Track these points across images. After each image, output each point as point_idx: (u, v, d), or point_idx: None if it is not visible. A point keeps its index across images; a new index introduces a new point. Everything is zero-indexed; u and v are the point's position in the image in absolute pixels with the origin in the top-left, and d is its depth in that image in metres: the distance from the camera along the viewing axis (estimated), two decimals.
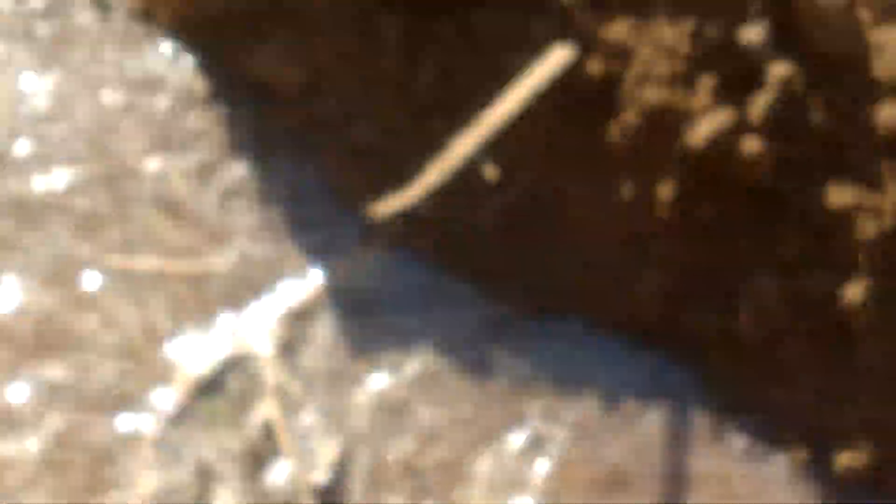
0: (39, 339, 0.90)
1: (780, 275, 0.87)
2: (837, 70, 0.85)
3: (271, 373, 0.88)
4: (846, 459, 0.86)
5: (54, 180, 0.98)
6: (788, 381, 0.88)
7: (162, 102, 1.01)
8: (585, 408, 0.88)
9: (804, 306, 0.87)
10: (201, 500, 0.84)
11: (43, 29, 1.05)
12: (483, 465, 0.86)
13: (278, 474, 0.85)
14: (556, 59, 0.86)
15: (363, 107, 0.94)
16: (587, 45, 0.87)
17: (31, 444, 0.86)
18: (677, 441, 0.87)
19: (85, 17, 1.05)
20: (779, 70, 0.84)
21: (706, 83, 0.86)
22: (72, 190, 0.97)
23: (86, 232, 0.95)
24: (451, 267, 0.91)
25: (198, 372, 0.89)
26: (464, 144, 0.79)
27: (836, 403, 0.87)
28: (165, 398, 0.88)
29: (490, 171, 0.87)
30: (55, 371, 0.89)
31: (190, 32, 1.01)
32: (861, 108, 0.84)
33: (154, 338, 0.91)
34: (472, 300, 0.91)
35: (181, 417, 0.87)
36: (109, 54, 1.04)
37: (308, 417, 0.87)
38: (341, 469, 0.85)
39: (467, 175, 0.87)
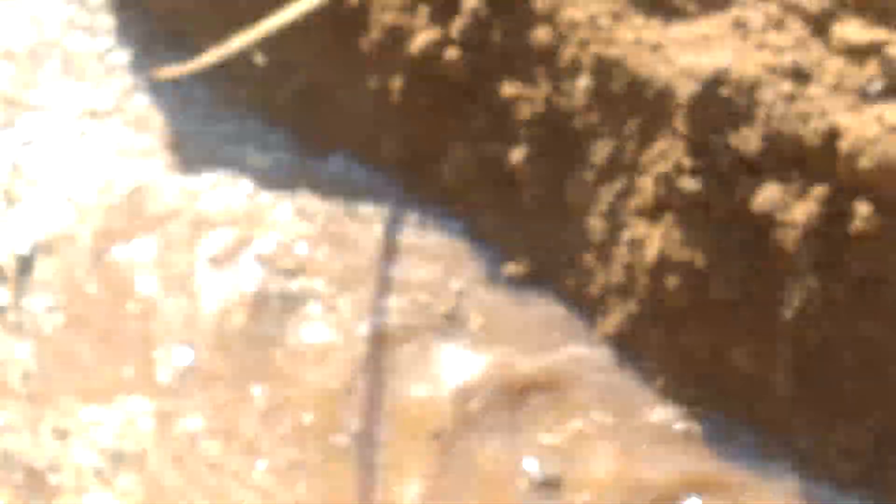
0: None
1: (471, 143, 1.29)
2: (511, 4, 1.26)
3: None
4: (513, 268, 1.28)
5: None
6: (481, 212, 1.30)
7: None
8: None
9: (487, 164, 1.28)
10: None
11: None
12: None
13: None
14: None
15: None
16: None
17: None
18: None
19: None
20: (471, 2, 1.26)
21: (422, 10, 1.27)
22: None
23: None
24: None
25: None
26: (240, 40, 1.20)
27: (509, 226, 1.28)
28: None
29: (259, 59, 1.28)
30: None
31: None
32: (524, 28, 1.26)
33: None
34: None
35: None
36: None
37: None
38: None
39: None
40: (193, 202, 1.31)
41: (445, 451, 1.13)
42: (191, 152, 1.33)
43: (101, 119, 1.40)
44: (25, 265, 1.32)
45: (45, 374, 1.25)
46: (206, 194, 1.31)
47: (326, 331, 1.23)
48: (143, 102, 1.38)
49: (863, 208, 1.09)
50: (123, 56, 1.41)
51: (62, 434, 1.18)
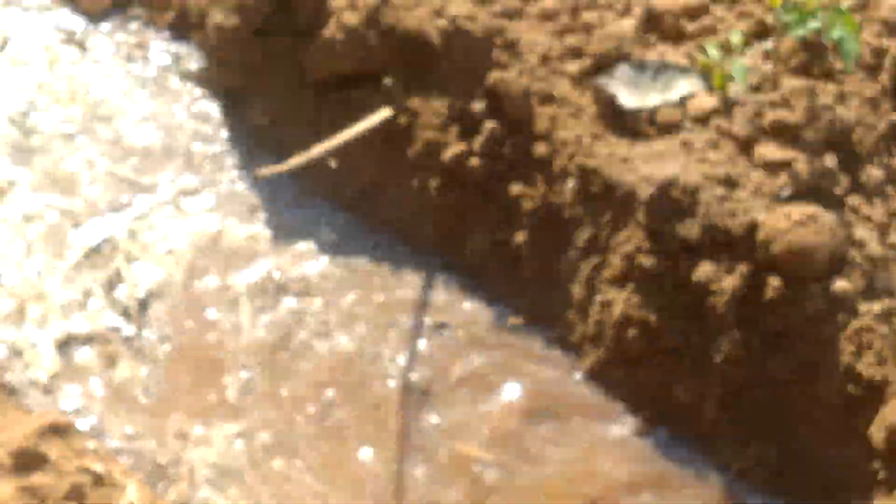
0: None
1: (487, 229, 1.72)
2: (518, 126, 1.71)
3: None
4: (516, 320, 1.68)
5: None
6: (494, 279, 1.72)
7: None
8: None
9: (499, 245, 1.71)
10: None
11: None
12: None
13: None
14: (382, 114, 1.73)
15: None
16: (399, 108, 1.75)
17: None
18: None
19: None
20: (489, 125, 1.71)
21: (453, 130, 1.72)
22: None
23: None
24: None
25: None
26: (319, 149, 1.66)
27: (514, 290, 1.70)
28: None
29: (333, 163, 1.73)
30: None
31: None
32: (528, 144, 1.70)
33: None
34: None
35: None
36: None
37: None
38: None
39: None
40: (275, 262, 1.76)
41: None
42: (278, 227, 1.79)
43: (206, 200, 1.87)
44: (143, 306, 1.75)
45: (160, 393, 1.67)
46: (285, 258, 1.76)
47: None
48: (244, 191, 1.85)
49: (774, 281, 1.47)
50: (232, 157, 1.88)
51: (183, 436, 1.58)
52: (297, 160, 1.65)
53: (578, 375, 1.63)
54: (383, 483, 1.52)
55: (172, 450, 1.56)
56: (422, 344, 1.66)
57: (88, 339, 1.68)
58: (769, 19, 1.72)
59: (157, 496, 1.43)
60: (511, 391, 1.62)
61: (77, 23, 2.14)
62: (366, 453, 1.56)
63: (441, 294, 1.71)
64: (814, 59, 1.68)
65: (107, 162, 1.91)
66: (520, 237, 1.69)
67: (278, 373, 1.64)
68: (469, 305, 1.72)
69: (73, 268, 1.76)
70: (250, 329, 1.69)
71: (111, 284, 1.74)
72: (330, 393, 1.62)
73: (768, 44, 1.69)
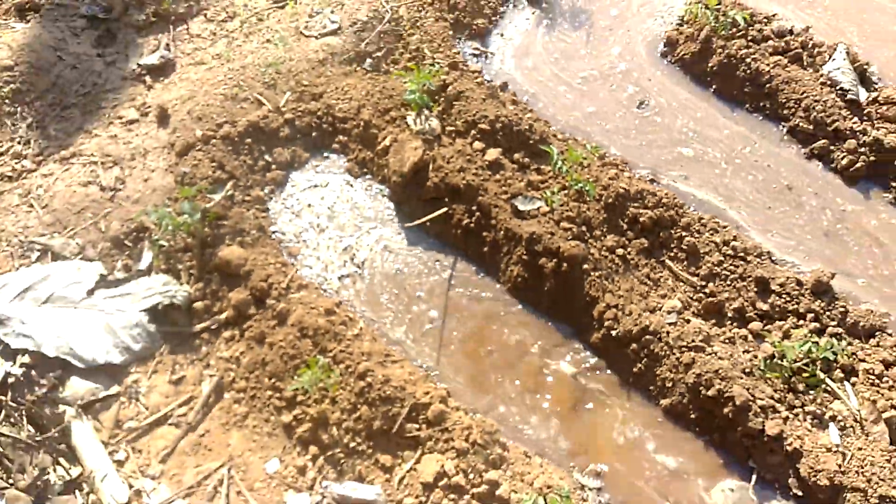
0: None
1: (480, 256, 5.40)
2: (487, 214, 5.41)
3: None
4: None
5: None
6: None
7: None
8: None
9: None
10: None
11: None
12: None
13: None
14: (443, 209, 5.43)
15: None
16: (450, 209, 5.45)
17: None
18: None
19: None
20: (469, 218, 5.42)
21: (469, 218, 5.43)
22: None
23: None
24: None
25: None
26: (429, 217, 5.34)
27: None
28: None
29: (429, 223, 5.43)
30: None
31: None
32: (487, 221, 5.40)
33: None
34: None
35: None
36: None
37: None
38: None
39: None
40: (406, 251, 5.40)
41: None
42: (406, 244, 5.45)
43: (382, 224, 5.52)
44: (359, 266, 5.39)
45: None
46: (412, 244, 5.41)
47: None
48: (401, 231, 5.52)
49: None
50: (397, 216, 5.54)
51: None
52: (419, 221, 5.34)
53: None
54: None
55: None
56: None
57: None
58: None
59: None
60: None
61: None
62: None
63: (459, 269, 5.37)
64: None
65: None
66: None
67: (400, 284, 5.28)
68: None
69: None
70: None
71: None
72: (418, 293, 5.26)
73: (560, 192, 5.43)
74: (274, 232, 5.38)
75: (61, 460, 4.32)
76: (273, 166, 5.63)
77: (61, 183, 5.35)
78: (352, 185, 5.66)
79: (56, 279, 4.83)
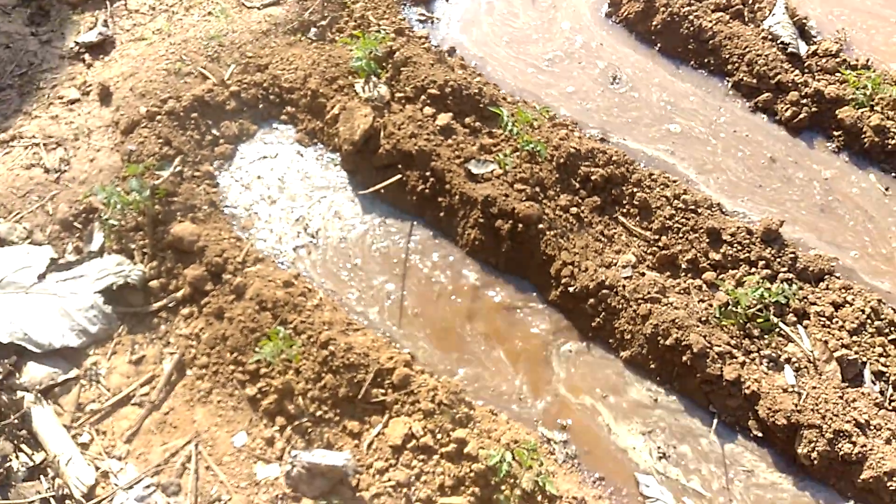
0: None
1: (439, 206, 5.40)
2: (441, 179, 5.41)
3: None
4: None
5: None
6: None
7: None
8: None
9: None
10: None
11: None
12: None
13: None
14: (397, 176, 5.41)
15: None
16: (404, 175, 5.44)
17: None
18: None
19: None
20: (425, 185, 5.43)
21: (423, 184, 5.42)
22: None
23: None
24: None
25: None
26: (383, 185, 5.32)
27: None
28: None
29: (382, 190, 5.41)
30: None
31: None
32: (442, 186, 5.40)
33: None
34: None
35: None
36: None
37: None
38: None
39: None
40: (360, 219, 5.38)
41: None
42: (361, 211, 5.43)
43: (340, 188, 5.48)
44: (313, 236, 5.35)
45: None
46: (366, 212, 5.39)
47: None
48: (355, 198, 5.49)
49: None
50: (350, 184, 5.51)
51: None
52: (374, 188, 5.31)
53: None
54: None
55: None
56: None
57: None
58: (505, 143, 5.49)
59: None
60: None
61: None
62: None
63: (416, 234, 5.37)
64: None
65: None
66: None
67: (357, 252, 5.26)
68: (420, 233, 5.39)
69: None
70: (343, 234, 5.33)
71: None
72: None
73: (512, 154, 5.46)
74: (226, 206, 5.30)
75: (23, 447, 4.25)
76: (221, 140, 5.55)
77: (2, 167, 5.21)
78: (302, 155, 5.61)
79: (5, 265, 4.72)
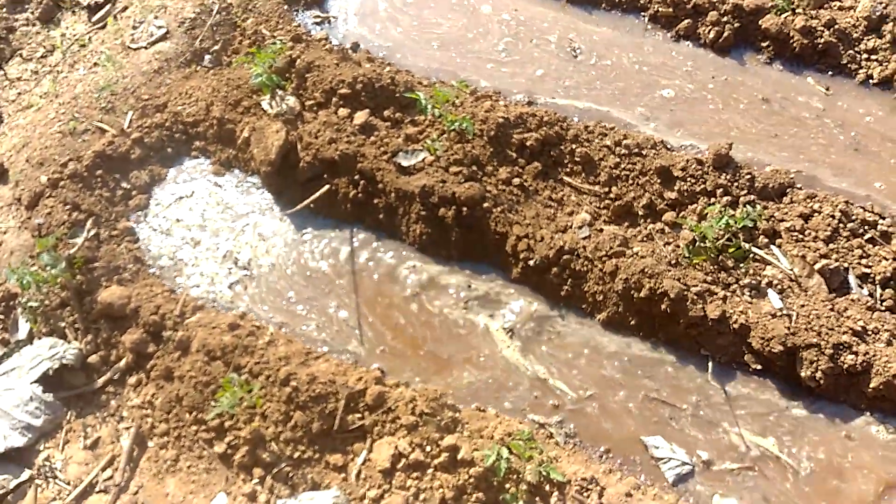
0: None
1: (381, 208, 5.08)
2: (372, 179, 5.09)
3: None
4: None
5: None
6: None
7: None
8: None
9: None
10: None
11: None
12: None
13: None
14: (325, 188, 5.08)
15: None
16: (332, 187, 5.11)
17: None
18: None
19: None
20: (355, 191, 5.10)
21: (352, 189, 5.10)
22: None
23: None
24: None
25: None
26: (311, 199, 4.98)
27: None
28: None
29: (311, 205, 5.08)
30: None
31: None
32: (376, 187, 5.08)
33: None
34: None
35: None
36: None
37: None
38: None
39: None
40: (293, 238, 5.04)
41: None
42: (294, 232, 5.09)
43: (266, 211, 5.14)
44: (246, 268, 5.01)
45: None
46: (300, 230, 5.05)
47: None
48: (285, 217, 5.14)
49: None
50: (277, 205, 5.17)
51: None
52: (303, 203, 4.98)
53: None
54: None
55: None
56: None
57: None
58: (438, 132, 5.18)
59: None
60: None
61: None
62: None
63: (359, 242, 5.05)
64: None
65: None
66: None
67: (300, 275, 4.93)
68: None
69: None
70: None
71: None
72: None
73: (440, 138, 5.16)
74: (150, 260, 4.94)
75: None
76: (133, 192, 5.19)
77: None
78: (220, 186, 5.25)
79: None
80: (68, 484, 4.19)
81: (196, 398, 4.25)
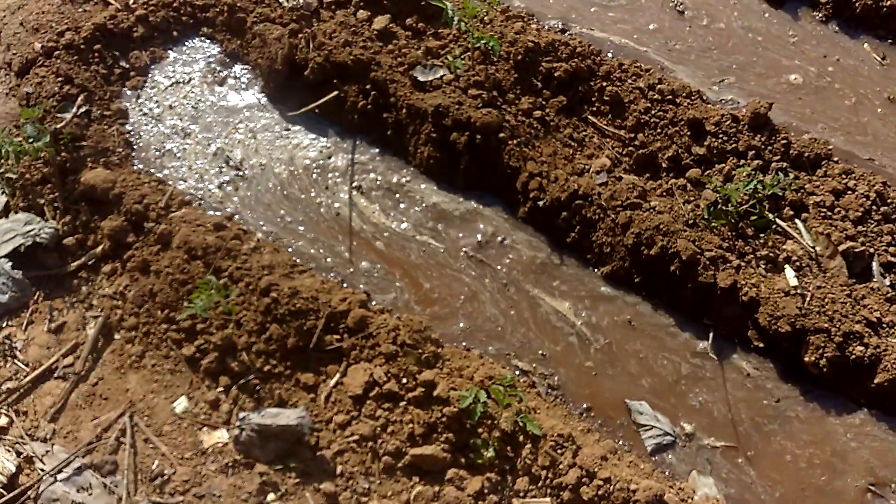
0: None
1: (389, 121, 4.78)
2: (385, 92, 4.77)
3: None
4: None
5: None
6: None
7: None
8: None
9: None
10: None
11: None
12: None
13: None
14: (334, 93, 4.76)
15: None
16: (340, 92, 4.79)
17: None
18: None
19: None
20: (365, 100, 4.78)
21: (358, 93, 4.79)
22: None
23: None
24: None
25: None
26: (315, 105, 4.68)
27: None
28: None
29: (316, 109, 4.77)
30: None
31: None
32: (387, 99, 4.76)
33: None
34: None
35: None
36: None
37: None
38: None
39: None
40: (293, 143, 4.76)
41: None
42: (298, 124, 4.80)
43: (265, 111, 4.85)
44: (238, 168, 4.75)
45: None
46: (300, 135, 4.77)
47: None
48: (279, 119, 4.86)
49: None
50: (282, 106, 4.87)
51: None
52: (307, 108, 4.68)
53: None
54: None
55: None
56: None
57: None
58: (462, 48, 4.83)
59: None
60: None
61: None
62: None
63: (362, 155, 4.76)
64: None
65: None
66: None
67: (296, 183, 4.66)
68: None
69: None
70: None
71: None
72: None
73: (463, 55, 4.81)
74: (138, 146, 4.67)
75: None
76: (132, 73, 4.88)
77: None
78: (225, 78, 4.94)
79: None
80: (27, 365, 4.01)
81: (170, 296, 4.04)
